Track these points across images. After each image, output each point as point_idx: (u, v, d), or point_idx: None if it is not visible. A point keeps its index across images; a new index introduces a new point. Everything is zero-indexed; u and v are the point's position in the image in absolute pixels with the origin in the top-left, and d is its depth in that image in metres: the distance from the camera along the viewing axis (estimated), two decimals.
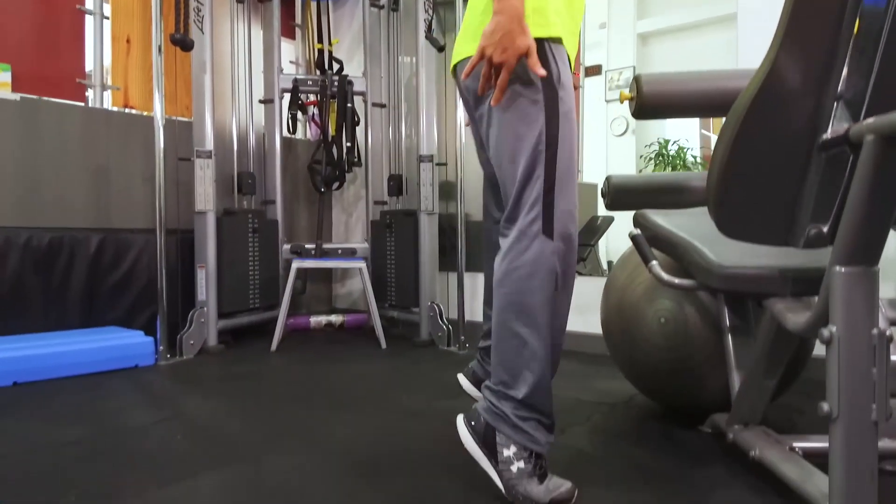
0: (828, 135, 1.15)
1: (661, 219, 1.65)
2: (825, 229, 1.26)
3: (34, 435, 1.78)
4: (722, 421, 1.68)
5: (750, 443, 1.47)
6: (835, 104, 1.16)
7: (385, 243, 3.45)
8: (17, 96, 2.71)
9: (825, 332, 1.12)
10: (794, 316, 1.29)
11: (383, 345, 3.11)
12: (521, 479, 1.30)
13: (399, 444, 1.71)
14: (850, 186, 1.09)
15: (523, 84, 1.29)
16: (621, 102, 1.80)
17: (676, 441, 1.73)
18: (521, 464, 1.31)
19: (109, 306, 2.96)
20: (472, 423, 1.37)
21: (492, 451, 1.33)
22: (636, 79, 1.70)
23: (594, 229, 5.25)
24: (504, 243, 1.35)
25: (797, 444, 1.46)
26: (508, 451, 1.32)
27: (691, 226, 1.60)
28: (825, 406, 1.13)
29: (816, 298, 1.21)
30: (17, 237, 2.70)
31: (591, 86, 6.41)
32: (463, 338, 3.04)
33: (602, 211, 5.55)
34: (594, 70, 6.39)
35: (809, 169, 1.21)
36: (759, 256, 1.42)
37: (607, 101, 6.66)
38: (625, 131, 7.25)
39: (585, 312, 2.99)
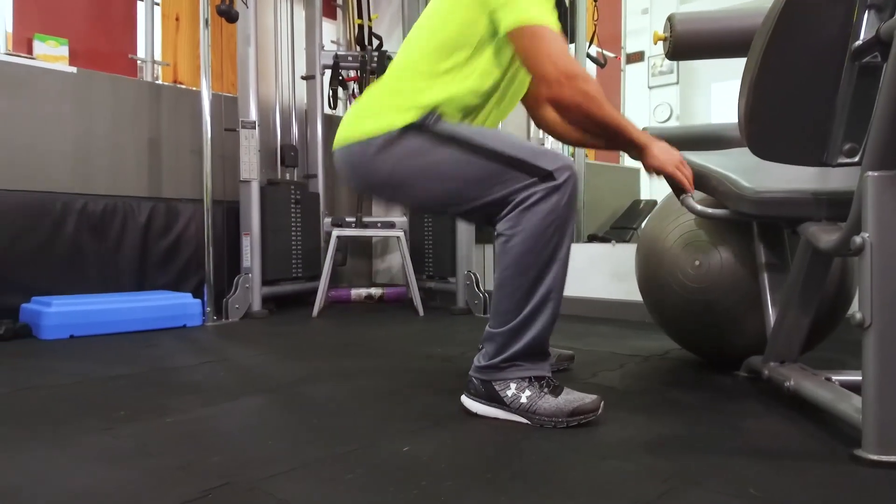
0: (859, 41, 1.13)
1: (695, 157, 1.64)
2: (860, 147, 1.24)
3: (88, 371, 1.88)
4: (757, 362, 1.66)
5: (785, 375, 1.45)
6: (866, 13, 1.14)
7: (423, 216, 3.50)
8: (73, 69, 2.85)
9: (857, 240, 1.11)
10: (827, 235, 1.27)
11: (421, 312, 3.15)
12: (535, 402, 1.32)
13: (429, 380, 1.75)
14: (882, 90, 1.07)
15: (409, 146, 1.42)
16: (654, 43, 1.80)
17: (710, 382, 1.71)
18: (528, 392, 1.33)
19: (160, 272, 3.08)
20: (471, 391, 1.40)
21: (500, 401, 1.36)
22: (670, 18, 1.70)
23: (637, 212, 5.19)
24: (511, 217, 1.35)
25: (834, 377, 1.44)
26: (511, 391, 1.34)
27: (725, 162, 1.59)
28: (858, 314, 1.12)
29: None
30: (73, 203, 2.83)
31: (633, 72, 6.32)
32: None
33: (645, 195, 5.49)
34: (636, 56, 6.30)
35: (841, 82, 1.20)
36: (792, 184, 1.41)
37: (650, 88, 6.56)
38: (668, 117, 7.13)
39: (624, 280, 2.98)
